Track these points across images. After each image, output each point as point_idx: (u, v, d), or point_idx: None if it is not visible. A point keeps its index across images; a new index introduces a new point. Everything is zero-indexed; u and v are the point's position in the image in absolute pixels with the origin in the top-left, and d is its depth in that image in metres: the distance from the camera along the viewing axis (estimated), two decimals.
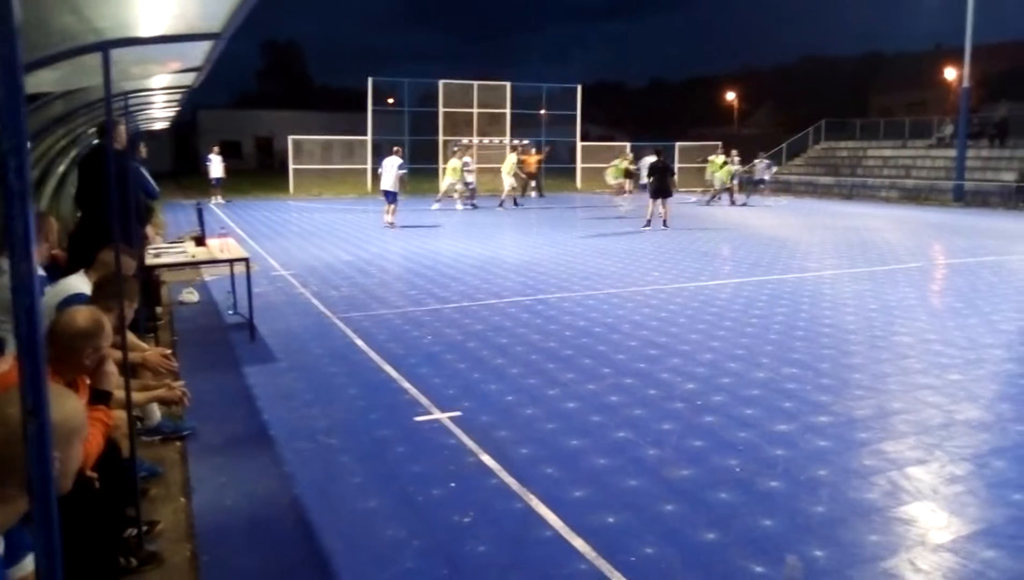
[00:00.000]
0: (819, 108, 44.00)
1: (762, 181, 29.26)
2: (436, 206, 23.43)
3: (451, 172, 23.76)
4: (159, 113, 10.17)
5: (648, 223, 17.84)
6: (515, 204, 24.70)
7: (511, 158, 25.50)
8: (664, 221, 17.78)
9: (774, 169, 31.15)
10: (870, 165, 33.03)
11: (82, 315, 3.04)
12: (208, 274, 10.91)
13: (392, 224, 17.93)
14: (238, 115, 58.27)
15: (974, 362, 6.89)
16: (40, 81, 4.67)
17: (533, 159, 28.84)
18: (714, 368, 6.65)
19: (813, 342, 7.56)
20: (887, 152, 33.35)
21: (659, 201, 17.92)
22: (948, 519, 3.96)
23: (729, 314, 8.78)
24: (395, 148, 20.00)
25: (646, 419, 5.41)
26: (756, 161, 30.09)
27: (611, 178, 29.21)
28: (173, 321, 8.51)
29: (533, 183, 29.11)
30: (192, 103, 12.80)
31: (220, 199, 25.77)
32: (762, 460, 4.70)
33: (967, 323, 8.40)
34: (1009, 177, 26.34)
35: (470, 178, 24.80)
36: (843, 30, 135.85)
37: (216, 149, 26.56)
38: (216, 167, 25.86)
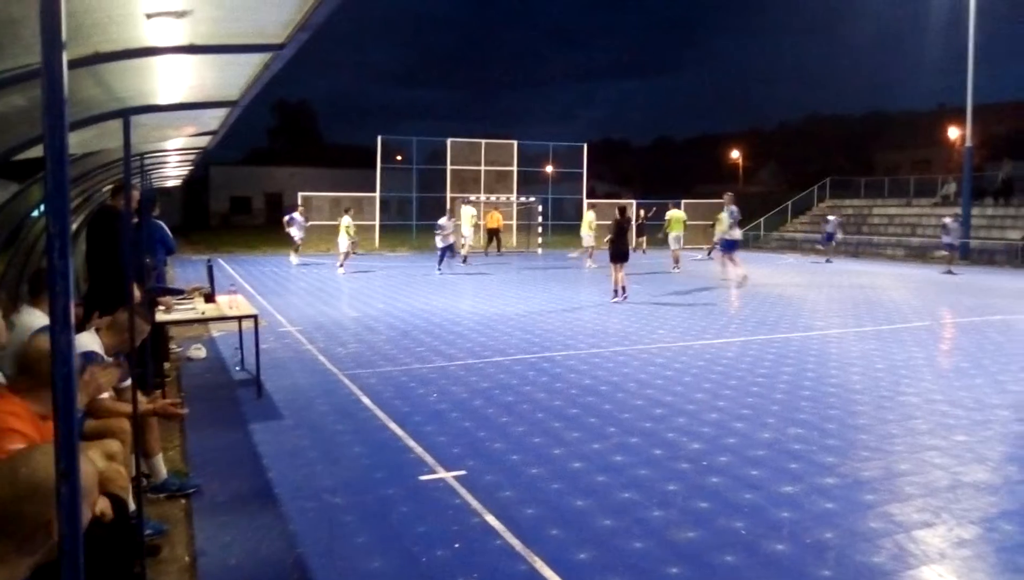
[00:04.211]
0: (824, 166, 44.49)
1: (832, 237, 27.27)
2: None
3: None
4: (173, 172, 10.39)
5: (616, 293, 15.12)
6: (464, 261, 24.53)
7: (589, 215, 25.02)
8: (623, 289, 15.15)
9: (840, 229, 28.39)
10: (875, 223, 33.23)
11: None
12: (216, 330, 11.00)
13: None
14: (249, 171, 59.18)
15: (981, 423, 6.86)
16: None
17: (495, 217, 29.04)
18: (720, 428, 6.64)
19: (819, 402, 7.55)
20: (892, 210, 33.58)
21: (619, 265, 15.25)
22: None
23: (735, 373, 8.79)
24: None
25: (651, 479, 5.40)
26: (830, 217, 28.89)
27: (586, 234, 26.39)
28: (181, 376, 8.56)
29: (494, 240, 28.84)
30: (204, 160, 13.14)
31: (294, 258, 24.22)
32: (768, 522, 4.67)
33: (973, 383, 8.38)
34: (1015, 235, 26.45)
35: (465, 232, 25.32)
36: (847, 89, 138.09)
37: (300, 209, 24.98)
38: (297, 228, 24.14)
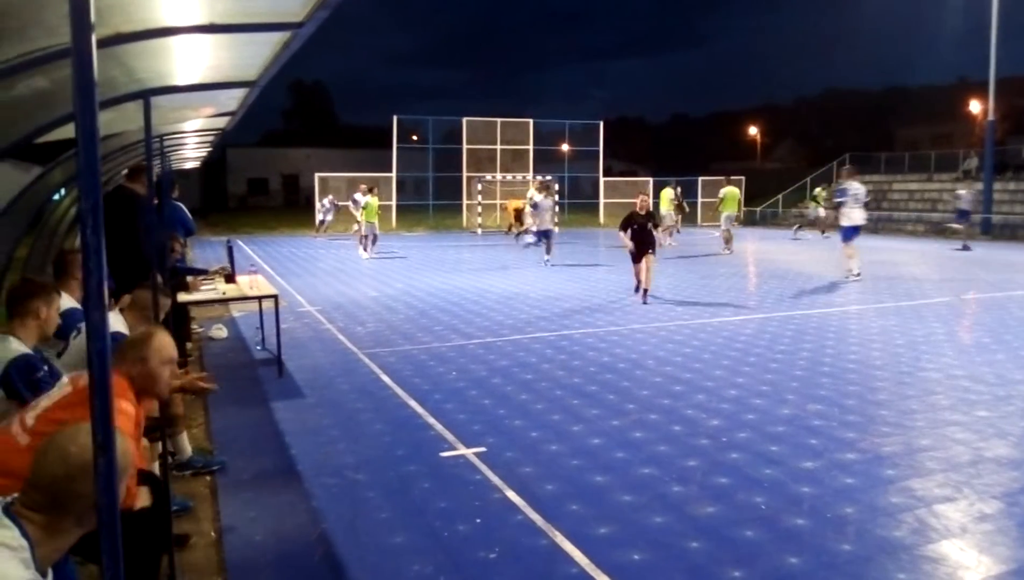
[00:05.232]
0: (842, 142, 43.99)
1: (967, 215, 23.25)
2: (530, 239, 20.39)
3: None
4: (191, 153, 10.44)
5: (638, 289, 12.45)
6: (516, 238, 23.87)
7: (668, 192, 24.33)
8: (645, 290, 12.23)
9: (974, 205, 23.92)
10: (896, 199, 32.88)
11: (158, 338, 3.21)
12: (236, 310, 11.09)
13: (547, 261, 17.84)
14: (265, 153, 59.43)
15: (1003, 398, 6.82)
16: None
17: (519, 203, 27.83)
18: (739, 404, 6.64)
19: (839, 378, 7.52)
20: (913, 185, 33.20)
21: (647, 258, 12.16)
22: (978, 558, 3.93)
23: (754, 350, 8.77)
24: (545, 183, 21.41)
25: (671, 456, 5.42)
26: (960, 191, 24.09)
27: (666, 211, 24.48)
28: (203, 356, 8.66)
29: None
30: (221, 142, 13.16)
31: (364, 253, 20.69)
32: (788, 497, 4.68)
33: (995, 359, 8.32)
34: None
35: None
36: (865, 63, 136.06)
37: (363, 188, 21.73)
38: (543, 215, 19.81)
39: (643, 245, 12.17)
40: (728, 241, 20.96)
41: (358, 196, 21.41)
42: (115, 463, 1.05)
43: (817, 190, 29.00)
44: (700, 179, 36.59)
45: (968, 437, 5.77)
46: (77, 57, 1.07)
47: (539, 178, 22.09)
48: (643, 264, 12.20)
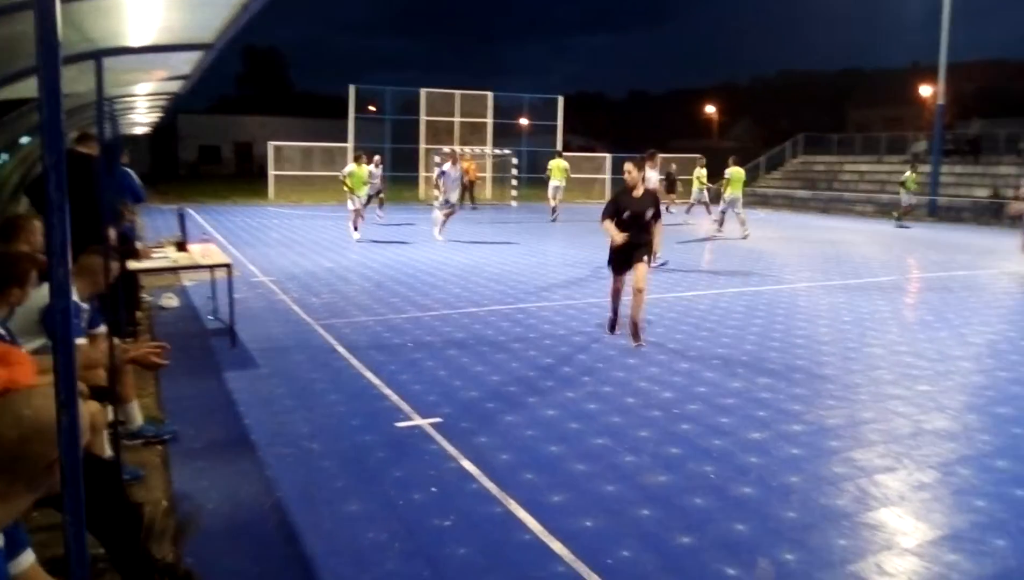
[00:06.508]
0: (797, 122, 44.60)
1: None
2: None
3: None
4: (142, 118, 10.18)
5: (614, 325, 8.30)
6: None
7: (701, 171, 23.07)
8: (634, 323, 7.88)
9: None
10: (846, 180, 33.51)
11: None
12: (187, 279, 10.90)
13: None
14: (218, 120, 58.04)
15: (943, 374, 7.06)
16: (29, 88, 4.71)
17: (471, 166, 27.40)
18: (691, 378, 6.77)
19: (788, 353, 7.71)
20: (863, 167, 33.86)
21: (637, 269, 7.83)
22: (914, 524, 4.09)
23: (706, 325, 8.92)
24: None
25: (624, 426, 5.51)
26: None
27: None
28: (153, 325, 8.51)
29: (467, 193, 26.94)
30: (172, 108, 12.62)
31: (379, 212, 21.31)
32: (736, 467, 4.81)
33: (937, 336, 8.60)
34: (982, 193, 26.84)
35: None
36: (822, 45, 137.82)
37: (376, 159, 21.21)
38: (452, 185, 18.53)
39: (631, 247, 7.72)
40: (743, 222, 19.03)
41: (448, 167, 18.26)
42: (78, 422, 1.05)
43: (907, 174, 24.18)
44: (659, 156, 36.76)
45: (909, 410, 5.97)
46: (39, 9, 1.05)
47: (451, 149, 21.13)
48: (629, 277, 7.86)
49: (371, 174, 19.53)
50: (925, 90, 42.06)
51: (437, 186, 19.24)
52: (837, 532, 3.98)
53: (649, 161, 12.57)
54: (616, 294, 8.14)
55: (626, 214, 7.79)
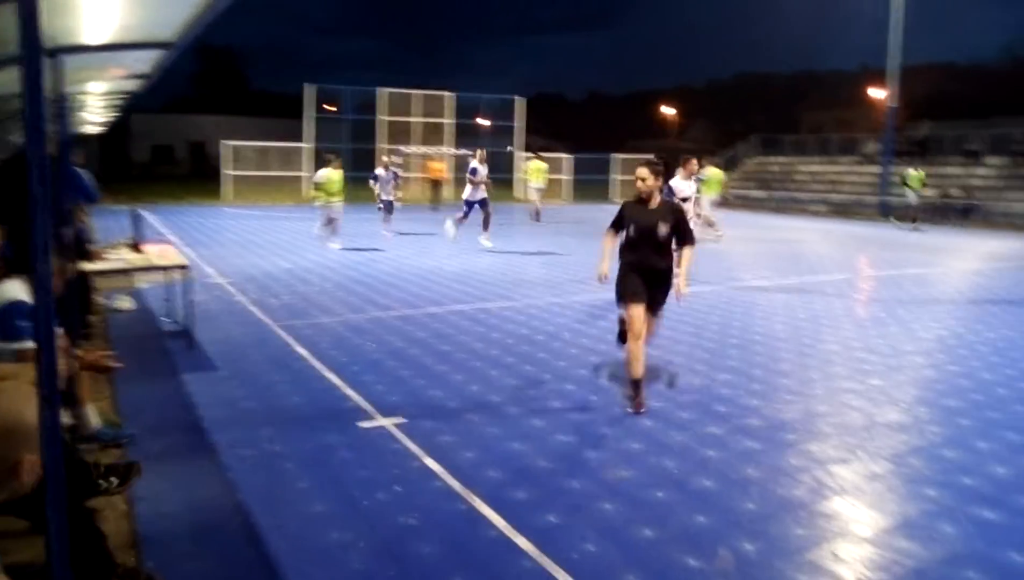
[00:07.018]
0: (752, 123, 45.31)
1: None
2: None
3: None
4: (95, 117, 9.97)
5: (637, 393, 5.93)
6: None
7: (718, 173, 19.48)
8: (635, 382, 5.96)
9: None
10: (800, 180, 34.14)
11: None
12: (142, 281, 10.70)
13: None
14: (172, 119, 57.00)
15: (895, 368, 7.25)
16: None
17: (439, 166, 27.50)
18: (652, 375, 6.85)
19: (746, 350, 7.84)
20: (816, 168, 34.54)
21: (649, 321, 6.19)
22: (868, 513, 4.21)
23: (667, 324, 9.01)
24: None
25: (586, 423, 5.56)
26: None
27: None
28: (108, 328, 8.35)
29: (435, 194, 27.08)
30: (127, 106, 12.15)
31: (386, 232, 18.25)
32: (696, 460, 4.90)
33: (889, 332, 8.82)
34: (931, 193, 27.52)
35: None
36: (776, 48, 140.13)
37: (388, 161, 19.13)
38: (385, 186, 18.12)
39: (646, 273, 6.05)
40: (712, 224, 18.09)
41: (380, 171, 17.91)
42: (59, 419, 1.05)
43: (910, 171, 23.81)
44: (620, 157, 37.08)
45: (862, 404, 6.13)
46: (21, 4, 1.05)
47: (387, 152, 20.65)
48: (642, 322, 5.95)
49: (380, 178, 17.89)
50: (875, 92, 43.01)
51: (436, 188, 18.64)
52: (794, 522, 4.08)
53: (684, 167, 11.25)
54: (625, 337, 6.12)
55: (632, 229, 6.02)
